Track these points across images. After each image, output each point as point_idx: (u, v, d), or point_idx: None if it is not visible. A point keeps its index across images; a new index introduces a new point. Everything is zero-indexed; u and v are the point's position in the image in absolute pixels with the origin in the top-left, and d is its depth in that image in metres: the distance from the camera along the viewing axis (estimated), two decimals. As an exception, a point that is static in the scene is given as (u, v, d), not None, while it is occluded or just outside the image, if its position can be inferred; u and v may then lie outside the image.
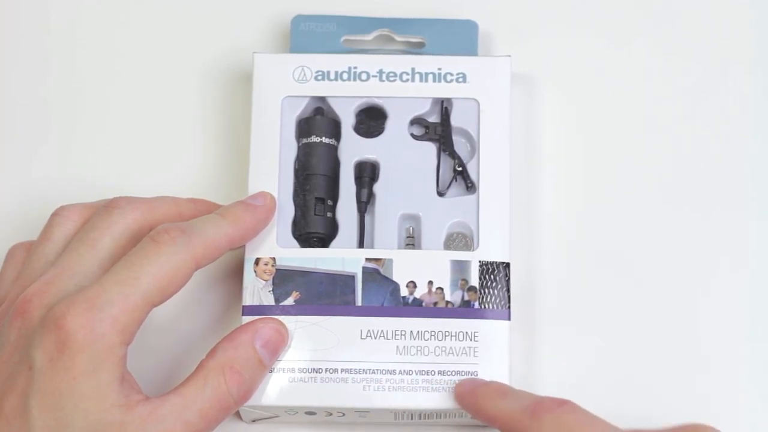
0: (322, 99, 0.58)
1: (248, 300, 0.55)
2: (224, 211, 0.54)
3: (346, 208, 0.57)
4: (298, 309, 0.55)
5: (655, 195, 0.60)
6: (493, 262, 0.55)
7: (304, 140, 0.58)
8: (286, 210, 0.57)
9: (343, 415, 0.55)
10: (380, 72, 0.58)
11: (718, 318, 0.58)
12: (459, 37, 0.59)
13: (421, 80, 0.58)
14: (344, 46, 0.60)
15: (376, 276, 0.55)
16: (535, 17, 0.63)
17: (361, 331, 0.54)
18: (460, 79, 0.58)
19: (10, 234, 0.58)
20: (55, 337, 0.48)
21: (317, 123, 0.58)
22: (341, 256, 0.56)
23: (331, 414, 0.55)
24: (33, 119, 0.62)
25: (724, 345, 0.58)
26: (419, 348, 0.54)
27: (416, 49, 0.60)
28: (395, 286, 0.55)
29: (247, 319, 0.54)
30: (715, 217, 0.60)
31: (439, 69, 0.58)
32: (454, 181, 0.58)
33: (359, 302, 0.55)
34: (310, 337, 0.54)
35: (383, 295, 0.55)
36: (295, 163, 0.57)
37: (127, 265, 0.50)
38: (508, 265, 0.55)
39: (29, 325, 0.50)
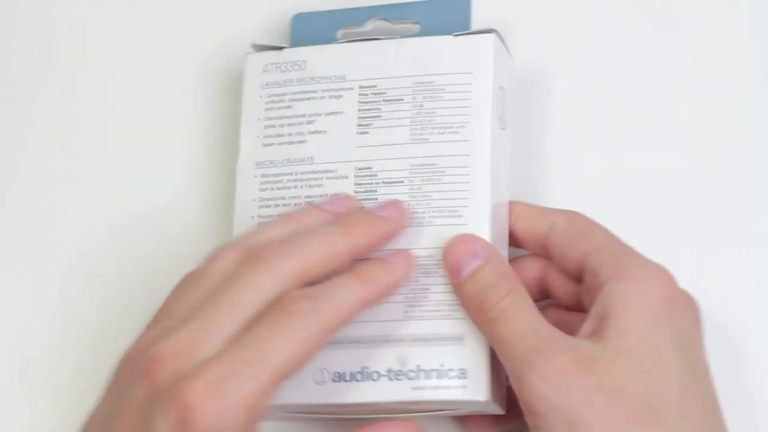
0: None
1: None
2: (360, 270, 0.52)
3: (345, 209, 0.57)
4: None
5: (656, 196, 0.58)
6: None
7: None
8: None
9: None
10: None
11: (720, 319, 0.56)
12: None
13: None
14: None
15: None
16: (534, 17, 0.61)
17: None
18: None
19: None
20: (179, 417, 0.46)
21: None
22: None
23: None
24: (32, 119, 0.64)
25: (726, 344, 0.56)
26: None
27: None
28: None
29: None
30: (719, 218, 0.58)
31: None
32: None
33: (358, 302, 0.54)
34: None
35: (382, 296, 0.54)
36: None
37: (256, 340, 0.48)
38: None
39: (155, 390, 0.48)
